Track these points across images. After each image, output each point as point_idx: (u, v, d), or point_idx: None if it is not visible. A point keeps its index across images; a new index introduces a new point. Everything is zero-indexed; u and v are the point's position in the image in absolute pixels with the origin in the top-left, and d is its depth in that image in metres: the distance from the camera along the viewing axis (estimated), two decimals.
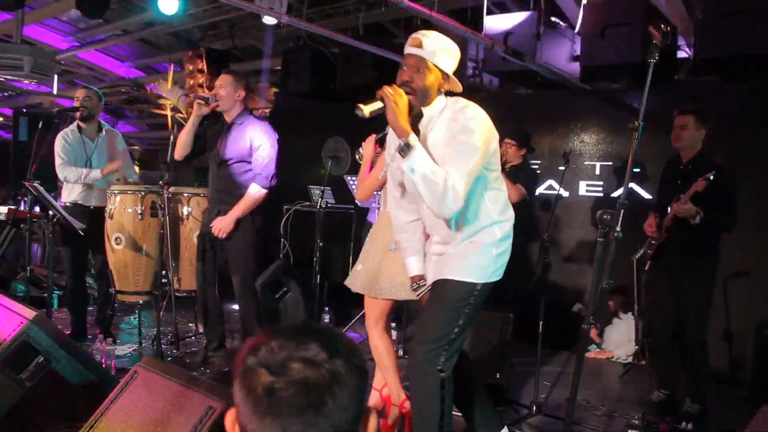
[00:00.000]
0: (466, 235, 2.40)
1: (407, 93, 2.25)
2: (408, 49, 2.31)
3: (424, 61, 2.27)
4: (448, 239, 2.45)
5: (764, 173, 4.28)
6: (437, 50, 2.28)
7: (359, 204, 3.31)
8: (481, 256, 2.40)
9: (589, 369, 4.41)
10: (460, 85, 2.38)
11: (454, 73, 2.36)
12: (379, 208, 3.27)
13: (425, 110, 2.35)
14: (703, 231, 3.50)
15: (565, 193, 5.06)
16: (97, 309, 4.60)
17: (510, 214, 2.49)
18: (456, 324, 2.38)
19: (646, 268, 3.81)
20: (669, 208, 3.60)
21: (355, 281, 3.14)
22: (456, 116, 2.28)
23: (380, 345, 3.12)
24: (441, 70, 2.30)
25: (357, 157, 3.47)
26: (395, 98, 2.18)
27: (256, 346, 0.92)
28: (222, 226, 3.77)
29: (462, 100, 2.35)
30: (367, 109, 2.20)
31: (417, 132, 2.30)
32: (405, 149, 2.14)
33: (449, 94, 2.40)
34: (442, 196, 2.14)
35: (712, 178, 3.30)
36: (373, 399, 3.25)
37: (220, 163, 3.90)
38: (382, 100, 2.19)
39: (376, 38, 5.61)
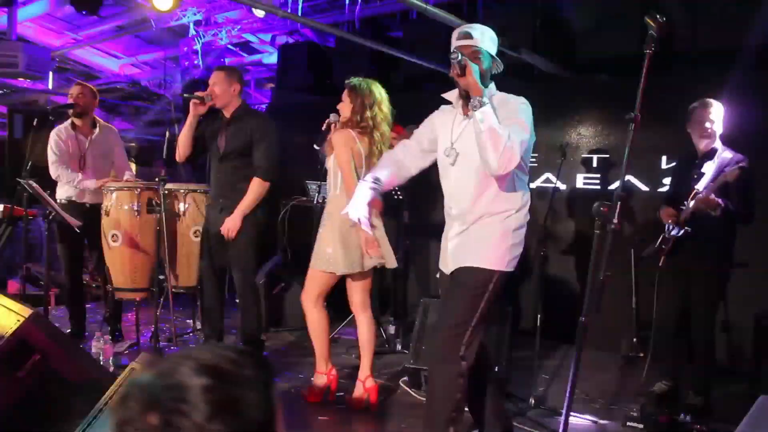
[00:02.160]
0: (485, 213, 2.53)
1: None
2: (458, 42, 2.50)
3: (477, 50, 2.49)
4: (468, 213, 2.57)
5: (763, 164, 4.28)
6: (485, 38, 2.52)
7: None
8: (499, 245, 2.52)
9: (587, 362, 4.40)
10: (501, 65, 2.61)
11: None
12: None
13: (489, 86, 2.55)
14: (722, 225, 3.49)
15: (562, 186, 5.06)
16: (107, 307, 4.59)
17: (526, 212, 2.61)
18: (475, 311, 2.47)
19: (660, 263, 3.76)
20: (686, 202, 3.57)
21: (337, 264, 3.37)
22: (507, 100, 2.54)
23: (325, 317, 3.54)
24: (490, 54, 2.53)
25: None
26: (471, 67, 2.39)
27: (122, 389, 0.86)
28: (230, 226, 3.76)
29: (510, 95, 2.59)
30: (462, 56, 2.40)
31: (466, 114, 2.54)
32: (478, 103, 2.36)
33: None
34: (503, 149, 2.32)
35: (746, 166, 3.29)
36: (320, 381, 3.56)
37: (221, 159, 3.89)
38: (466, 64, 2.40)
39: (372, 32, 5.59)
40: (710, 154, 3.61)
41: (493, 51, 2.56)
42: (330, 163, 3.50)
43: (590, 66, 4.99)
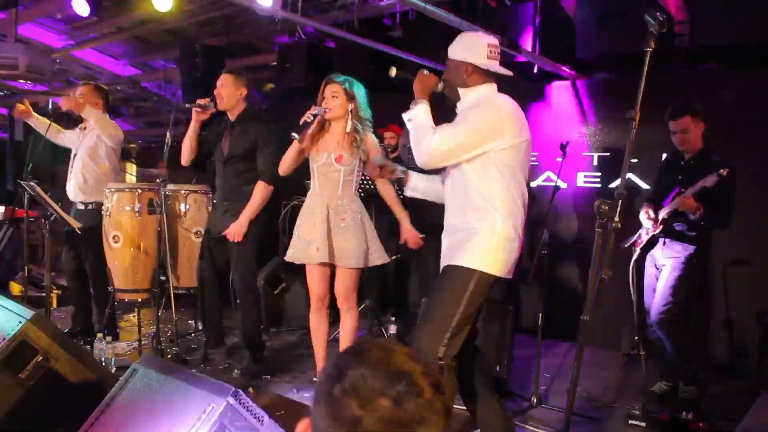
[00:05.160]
0: (469, 215, 2.51)
1: (444, 86, 2.66)
2: None
3: (449, 60, 2.64)
4: (455, 217, 2.58)
5: (763, 161, 4.27)
6: (455, 48, 2.63)
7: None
8: (480, 243, 2.45)
9: (589, 360, 4.40)
10: (505, 70, 2.62)
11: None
12: None
13: (468, 92, 2.62)
14: (697, 225, 3.51)
15: (563, 185, 5.06)
16: (96, 309, 4.59)
17: (517, 214, 2.52)
18: (455, 311, 2.41)
19: (635, 257, 3.80)
20: (666, 201, 3.60)
21: (381, 255, 3.44)
22: (482, 103, 2.54)
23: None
24: (460, 62, 2.59)
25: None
26: (423, 76, 2.61)
27: (342, 371, 0.95)
28: (236, 230, 3.75)
29: (502, 95, 2.60)
30: (395, 71, 2.72)
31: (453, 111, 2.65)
32: (413, 105, 2.56)
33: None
34: (420, 142, 2.47)
35: (724, 174, 3.29)
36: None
37: (225, 162, 3.89)
38: (416, 76, 2.62)
39: (372, 32, 5.58)
40: (698, 156, 3.61)
41: (465, 56, 2.58)
42: (343, 160, 3.37)
43: (591, 64, 4.98)
